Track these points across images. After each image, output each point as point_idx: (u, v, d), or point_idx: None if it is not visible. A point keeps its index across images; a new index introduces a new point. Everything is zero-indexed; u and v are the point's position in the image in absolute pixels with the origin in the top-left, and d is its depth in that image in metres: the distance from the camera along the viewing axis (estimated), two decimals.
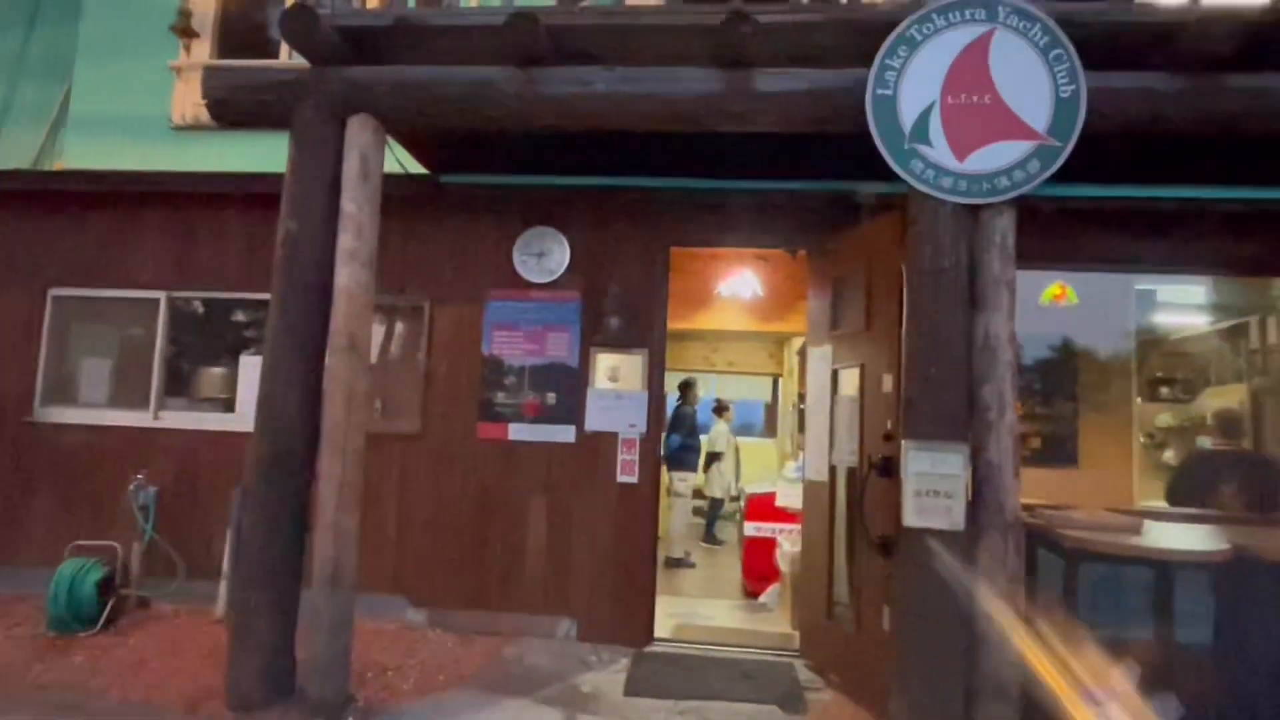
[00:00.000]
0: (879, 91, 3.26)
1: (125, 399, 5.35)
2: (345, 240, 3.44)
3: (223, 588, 4.66)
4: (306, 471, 3.48)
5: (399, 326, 5.06)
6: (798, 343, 10.23)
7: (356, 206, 3.47)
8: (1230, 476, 4.58)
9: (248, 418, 3.65)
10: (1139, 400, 6.38)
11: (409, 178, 4.68)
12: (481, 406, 4.81)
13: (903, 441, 3.19)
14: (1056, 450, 5.61)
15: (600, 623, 4.56)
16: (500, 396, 4.79)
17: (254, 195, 4.95)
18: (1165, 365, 7.34)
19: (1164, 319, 7.20)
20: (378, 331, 4.93)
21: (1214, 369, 7.31)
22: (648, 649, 4.56)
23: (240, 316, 5.43)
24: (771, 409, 12.62)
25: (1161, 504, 5.26)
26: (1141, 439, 6.35)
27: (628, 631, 4.56)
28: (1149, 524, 3.38)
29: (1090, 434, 5.71)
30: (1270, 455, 4.66)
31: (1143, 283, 6.13)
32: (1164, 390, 7.30)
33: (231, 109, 3.70)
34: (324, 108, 3.55)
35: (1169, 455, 7.42)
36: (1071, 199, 3.92)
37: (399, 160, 4.46)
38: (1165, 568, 3.37)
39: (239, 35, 6.24)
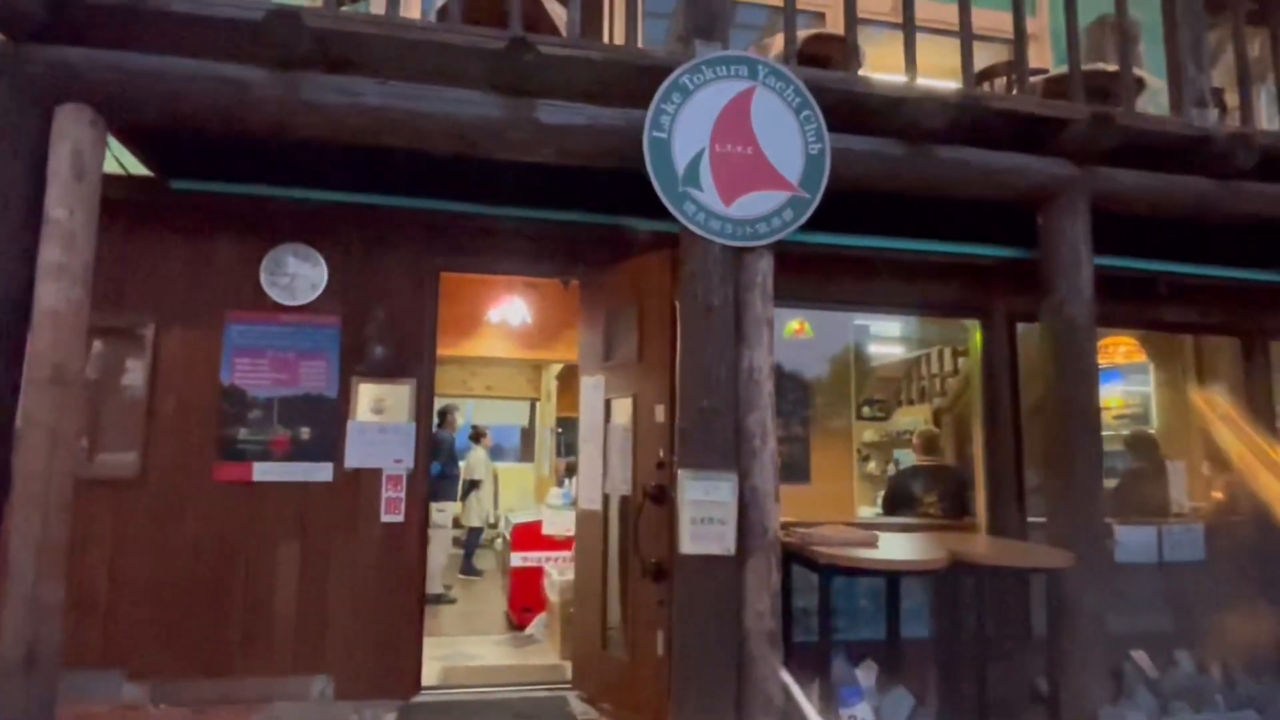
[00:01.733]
0: (655, 134, 3.40)
1: None
2: (52, 252, 2.86)
3: None
4: None
5: (113, 351, 4.30)
6: (557, 368, 10.36)
7: (67, 212, 2.91)
8: (932, 488, 5.35)
9: None
10: (856, 421, 7.28)
11: (130, 179, 4.04)
12: (220, 444, 4.22)
13: (678, 471, 3.32)
14: (793, 469, 6.14)
15: (361, 677, 4.18)
16: (243, 432, 4.24)
17: None
18: (871, 389, 8.49)
19: (874, 349, 8.35)
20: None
21: (904, 392, 8.61)
22: (415, 699, 4.26)
23: None
24: (529, 433, 12.62)
25: (876, 511, 6.03)
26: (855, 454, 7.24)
27: (392, 683, 4.22)
28: (881, 536, 3.81)
29: (819, 452, 6.35)
30: (960, 468, 5.49)
31: (860, 319, 7.03)
32: (867, 410, 8.44)
33: None
34: (23, 91, 2.93)
35: (872, 467, 8.59)
36: (813, 245, 4.34)
37: (118, 159, 3.83)
38: (896, 575, 3.85)
39: None
